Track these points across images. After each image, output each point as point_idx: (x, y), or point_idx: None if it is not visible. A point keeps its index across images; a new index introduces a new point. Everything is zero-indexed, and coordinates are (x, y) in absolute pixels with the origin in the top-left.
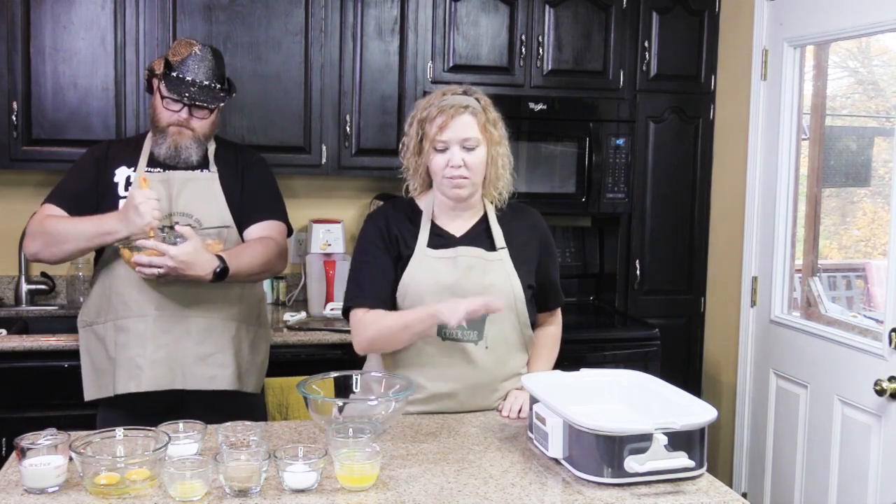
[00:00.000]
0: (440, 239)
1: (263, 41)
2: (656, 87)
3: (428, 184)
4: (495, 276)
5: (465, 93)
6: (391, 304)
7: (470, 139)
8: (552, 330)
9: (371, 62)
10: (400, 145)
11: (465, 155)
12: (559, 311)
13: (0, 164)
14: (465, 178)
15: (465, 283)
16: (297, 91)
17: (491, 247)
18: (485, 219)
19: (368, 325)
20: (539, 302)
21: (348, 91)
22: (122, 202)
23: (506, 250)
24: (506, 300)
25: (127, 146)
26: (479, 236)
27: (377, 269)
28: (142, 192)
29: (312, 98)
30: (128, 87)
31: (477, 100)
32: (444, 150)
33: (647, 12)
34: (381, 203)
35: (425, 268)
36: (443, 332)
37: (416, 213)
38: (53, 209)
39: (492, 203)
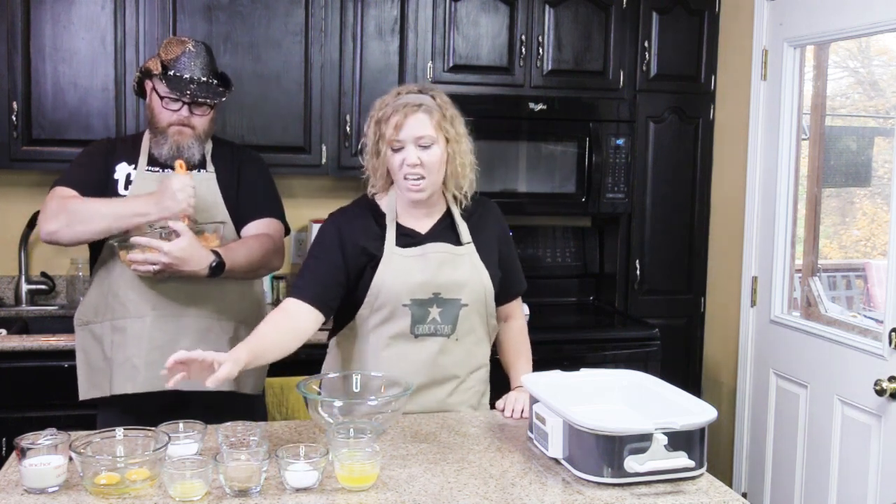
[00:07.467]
0: (407, 238)
1: (263, 41)
2: (656, 87)
3: (388, 184)
4: (464, 271)
5: (420, 91)
6: (327, 303)
7: (424, 137)
8: (520, 324)
9: (371, 62)
10: (359, 146)
11: (420, 153)
12: (520, 300)
13: (0, 164)
14: (422, 176)
15: (438, 279)
16: (297, 91)
17: (457, 242)
18: (448, 214)
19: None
20: (502, 290)
21: (348, 91)
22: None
23: (472, 245)
24: (476, 293)
25: (127, 144)
26: (445, 232)
27: (324, 267)
28: (180, 178)
29: (312, 98)
30: (128, 87)
31: (433, 97)
32: (400, 150)
33: (647, 12)
34: None
35: (396, 267)
36: (415, 329)
37: (379, 214)
38: (68, 191)
39: (455, 199)
